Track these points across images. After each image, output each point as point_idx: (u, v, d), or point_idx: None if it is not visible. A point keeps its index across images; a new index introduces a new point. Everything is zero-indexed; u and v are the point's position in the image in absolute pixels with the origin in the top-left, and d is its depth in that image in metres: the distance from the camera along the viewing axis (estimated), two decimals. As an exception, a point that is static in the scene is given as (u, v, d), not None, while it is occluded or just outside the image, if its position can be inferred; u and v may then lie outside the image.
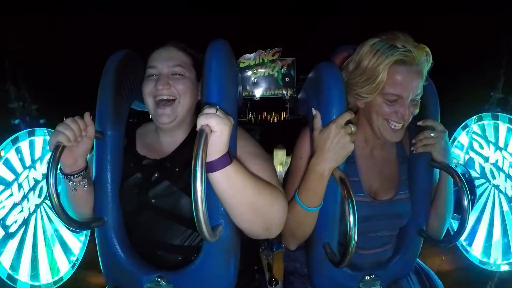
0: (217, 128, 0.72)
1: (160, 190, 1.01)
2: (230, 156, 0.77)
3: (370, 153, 1.14)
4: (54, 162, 0.83)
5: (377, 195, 1.10)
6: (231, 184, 0.79)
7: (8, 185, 1.62)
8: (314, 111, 1.01)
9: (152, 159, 1.07)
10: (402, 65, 0.95)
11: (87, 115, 0.94)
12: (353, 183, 1.05)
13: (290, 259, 1.32)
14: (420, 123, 1.06)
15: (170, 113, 1.01)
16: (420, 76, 0.97)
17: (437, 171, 1.11)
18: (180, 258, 1.02)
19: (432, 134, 1.03)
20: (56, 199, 0.84)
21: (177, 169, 1.02)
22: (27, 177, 1.71)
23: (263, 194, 0.85)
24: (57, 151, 0.85)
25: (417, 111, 1.02)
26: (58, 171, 0.95)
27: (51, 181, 0.82)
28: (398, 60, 0.94)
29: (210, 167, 0.75)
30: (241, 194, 0.81)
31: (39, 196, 1.78)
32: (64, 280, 1.86)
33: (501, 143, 1.90)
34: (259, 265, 1.26)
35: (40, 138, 1.79)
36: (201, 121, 0.71)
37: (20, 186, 1.67)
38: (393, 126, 1.02)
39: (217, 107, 0.75)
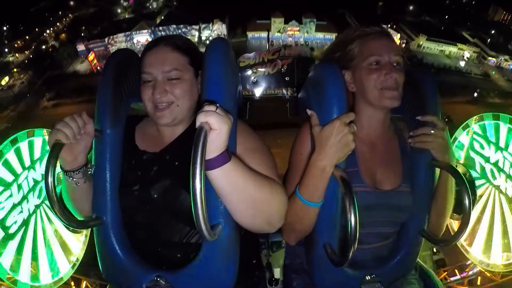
0: (216, 126, 0.71)
1: (161, 186, 1.01)
2: (228, 154, 0.77)
3: (370, 144, 1.14)
4: (52, 159, 0.83)
5: (380, 185, 1.10)
6: (230, 181, 0.79)
7: (7, 186, 1.61)
8: (309, 112, 1.01)
9: (152, 152, 1.07)
10: (370, 35, 1.04)
11: (84, 114, 0.95)
12: (352, 173, 1.05)
13: (291, 256, 1.32)
14: (419, 117, 1.06)
15: (169, 115, 1.01)
16: (389, 38, 1.06)
17: (437, 170, 1.11)
18: (179, 255, 1.02)
19: (432, 131, 1.03)
20: (54, 196, 0.83)
21: (176, 163, 1.02)
22: (26, 177, 1.71)
23: (263, 190, 0.85)
24: (56, 148, 0.85)
25: (402, 78, 1.05)
26: (59, 168, 0.95)
27: (50, 178, 0.82)
28: (364, 34, 1.04)
29: (209, 165, 0.75)
30: (240, 191, 0.81)
31: (39, 197, 1.78)
32: (64, 280, 1.86)
33: (502, 144, 1.90)
34: (258, 260, 1.25)
35: (39, 139, 1.78)
36: (201, 119, 0.71)
37: (19, 187, 1.67)
38: (388, 93, 1.04)
39: (217, 104, 0.74)
